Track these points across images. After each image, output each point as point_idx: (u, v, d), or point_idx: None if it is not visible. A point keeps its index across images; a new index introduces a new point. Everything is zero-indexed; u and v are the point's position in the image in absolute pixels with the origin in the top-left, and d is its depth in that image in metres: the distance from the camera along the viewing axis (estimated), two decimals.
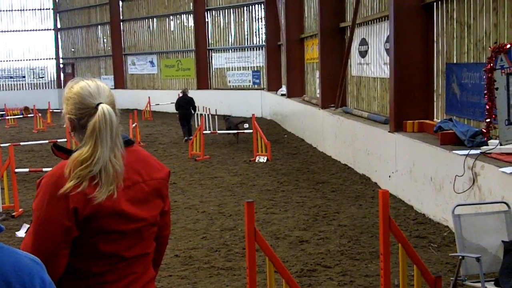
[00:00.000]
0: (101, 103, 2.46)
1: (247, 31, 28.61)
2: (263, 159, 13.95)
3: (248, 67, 28.57)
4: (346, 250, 7.18)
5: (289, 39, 21.33)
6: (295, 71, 21.20)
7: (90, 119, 2.43)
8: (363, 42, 14.30)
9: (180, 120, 19.32)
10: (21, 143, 15.30)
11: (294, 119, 19.48)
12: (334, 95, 15.39)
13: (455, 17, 9.61)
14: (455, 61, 9.59)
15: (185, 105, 19.16)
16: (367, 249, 7.22)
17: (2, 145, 10.97)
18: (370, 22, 13.81)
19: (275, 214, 9.06)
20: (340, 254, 7.06)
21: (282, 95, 22.38)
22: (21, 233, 8.38)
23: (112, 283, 2.44)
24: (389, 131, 10.40)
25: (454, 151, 7.76)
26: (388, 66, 11.35)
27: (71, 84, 2.55)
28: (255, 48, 28.21)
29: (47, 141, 16.10)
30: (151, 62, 34.52)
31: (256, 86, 28.12)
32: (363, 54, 14.31)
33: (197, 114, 19.99)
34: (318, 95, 17.31)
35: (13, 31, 41.25)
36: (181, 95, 20.04)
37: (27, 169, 11.48)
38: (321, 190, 10.64)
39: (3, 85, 41.54)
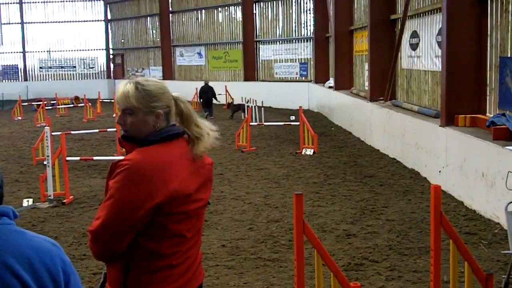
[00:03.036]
0: (173, 96, 2.78)
1: (295, 23, 28.46)
2: (309, 151, 13.88)
3: (296, 59, 28.44)
4: (394, 245, 7.08)
5: (338, 31, 21.13)
6: (343, 63, 21.00)
7: (172, 109, 2.72)
8: (414, 34, 14.05)
9: (203, 106, 23.73)
10: (72, 132, 15.58)
11: (341, 111, 19.32)
12: (383, 88, 15.18)
13: (510, 9, 9.34)
14: (509, 55, 9.33)
15: (207, 93, 23.85)
16: (415, 244, 7.10)
17: (53, 133, 11.17)
18: (421, 14, 13.55)
19: (322, 207, 9.00)
20: (388, 249, 6.96)
21: (330, 87, 22.22)
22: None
23: (175, 266, 2.63)
24: (440, 125, 10.21)
25: (507, 147, 7.56)
26: (440, 59, 11.13)
27: (147, 83, 2.70)
28: (303, 40, 28.06)
29: (97, 130, 16.33)
30: (199, 54, 34.72)
31: (303, 78, 27.99)
32: (414, 46, 14.07)
33: (244, 105, 20.70)
34: (366, 88, 17.12)
35: (65, 21, 42.04)
36: (203, 84, 24.59)
37: (78, 158, 11.69)
38: (368, 184, 10.53)
39: (54, 75, 42.44)
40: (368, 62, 16.58)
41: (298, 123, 14.98)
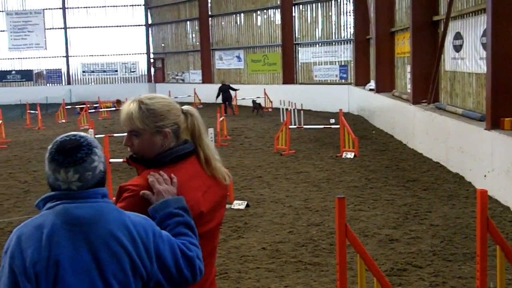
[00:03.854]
0: (183, 109, 2.62)
1: (335, 25, 28.28)
2: (350, 155, 13.73)
3: (335, 62, 28.26)
4: (439, 251, 6.93)
5: (378, 33, 20.91)
6: (384, 65, 20.76)
7: (182, 127, 2.58)
8: (458, 36, 13.80)
9: (223, 102, 26.46)
10: (114, 135, 15.75)
11: (382, 114, 19.10)
12: (426, 90, 14.94)
13: None
14: None
15: (226, 91, 27.01)
16: (460, 250, 6.94)
17: (97, 136, 11.32)
18: (465, 15, 13.30)
19: (363, 211, 8.88)
20: (432, 254, 6.82)
21: (371, 90, 22.00)
22: None
23: None
24: (485, 129, 9.97)
25: None
26: (485, 61, 10.89)
27: (151, 102, 2.55)
28: (342, 42, 27.86)
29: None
30: (238, 57, 34.81)
31: (343, 80, 27.79)
32: (457, 48, 13.81)
33: (283, 108, 20.82)
34: (409, 90, 16.88)
35: (107, 26, 42.65)
36: (220, 84, 28.06)
37: (120, 160, 11.79)
38: (411, 188, 10.35)
39: (97, 78, 43.10)
40: (410, 64, 16.35)
41: (338, 126, 14.85)
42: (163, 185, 2.41)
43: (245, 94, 30.12)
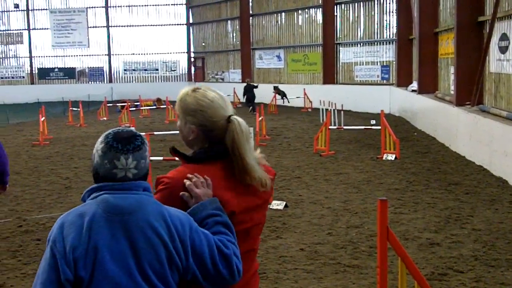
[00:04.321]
0: (231, 115, 2.58)
1: (377, 25, 28.00)
2: (391, 157, 13.55)
3: (377, 62, 27.97)
4: (480, 256, 6.77)
5: (422, 33, 20.61)
6: (427, 66, 20.46)
7: (221, 132, 2.56)
8: (504, 37, 13.48)
9: (246, 102, 27.91)
10: (155, 133, 15.89)
11: (425, 116, 18.82)
12: (470, 92, 14.66)
13: None
14: None
15: (251, 90, 27.98)
16: (503, 255, 6.76)
17: None
18: None
19: (404, 214, 8.74)
20: (473, 259, 6.66)
21: (413, 91, 21.70)
22: None
23: None
24: None
25: None
26: None
27: (193, 95, 2.61)
28: (385, 42, 27.56)
29: (178, 132, 16.61)
30: (278, 57, 34.77)
31: (384, 81, 27.50)
32: (503, 50, 13.50)
33: (322, 109, 21.04)
34: (452, 92, 16.60)
35: (148, 25, 43.10)
36: (245, 84, 29.02)
37: (161, 158, 11.87)
38: (453, 191, 10.15)
39: (138, 77, 43.59)
40: (454, 65, 16.07)
41: (379, 127, 14.67)
42: (200, 189, 2.46)
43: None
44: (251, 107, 27.33)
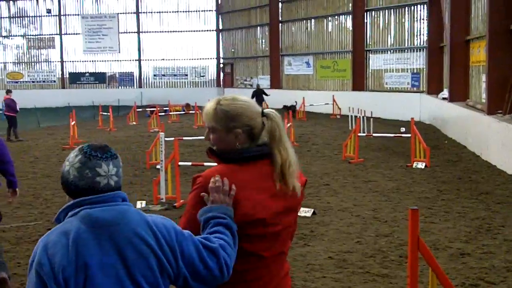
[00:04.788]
0: (263, 110, 2.70)
1: (408, 32, 27.80)
2: (421, 165, 13.40)
3: (407, 69, 27.75)
4: None
5: (453, 40, 20.40)
6: (458, 74, 20.22)
7: (261, 129, 2.67)
8: None
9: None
10: (184, 138, 15.95)
11: (455, 124, 18.59)
12: (502, 100, 14.43)
13: None
14: None
15: (260, 94, 28.90)
16: None
17: (166, 139, 11.47)
18: None
19: (434, 223, 8.62)
20: (505, 270, 6.54)
21: (444, 99, 21.48)
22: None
23: (250, 282, 2.62)
24: None
25: None
26: None
27: (226, 103, 2.69)
28: (415, 50, 27.34)
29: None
30: (307, 63, 34.72)
31: (415, 88, 27.26)
32: None
33: (351, 116, 21.06)
34: (483, 100, 16.37)
35: (178, 31, 43.38)
36: (255, 88, 30.50)
37: (189, 163, 11.89)
38: (484, 201, 9.99)
39: (167, 82, 43.89)
40: (485, 73, 15.86)
41: (409, 135, 14.53)
42: (219, 195, 2.51)
43: (313, 100, 30.03)
44: None
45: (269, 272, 2.67)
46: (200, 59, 43.65)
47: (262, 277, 2.65)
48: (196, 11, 43.29)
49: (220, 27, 43.02)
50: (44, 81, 44.84)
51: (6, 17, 45.06)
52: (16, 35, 45.23)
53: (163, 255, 2.22)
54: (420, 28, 27.16)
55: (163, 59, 43.85)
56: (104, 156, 2.23)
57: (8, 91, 21.96)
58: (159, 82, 44.01)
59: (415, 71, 27.36)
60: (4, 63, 45.26)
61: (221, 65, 43.35)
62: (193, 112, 27.26)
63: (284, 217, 2.68)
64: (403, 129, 17.87)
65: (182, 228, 2.50)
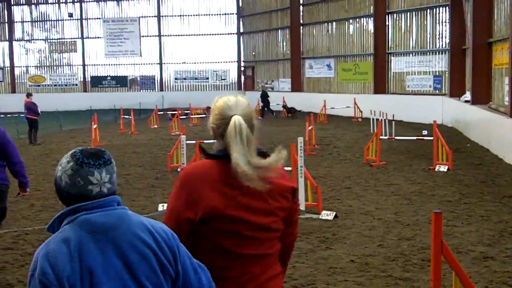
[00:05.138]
0: (235, 114, 2.76)
1: (430, 34, 27.61)
2: (443, 168, 13.30)
3: (429, 72, 27.56)
4: None
5: (476, 43, 20.23)
6: (481, 76, 20.05)
7: (226, 128, 2.74)
8: None
9: (262, 108, 30.43)
10: (205, 141, 15.97)
11: (478, 127, 18.42)
12: None
13: None
14: None
15: (266, 97, 31.50)
16: None
17: (187, 142, 11.54)
18: None
19: (457, 227, 8.55)
20: None
21: (466, 101, 21.29)
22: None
23: (230, 279, 2.69)
24: None
25: None
26: None
27: (216, 99, 2.93)
28: (437, 52, 27.14)
29: None
30: (328, 66, 34.64)
31: (437, 91, 27.06)
32: None
33: (373, 118, 20.98)
34: (506, 103, 16.20)
35: (199, 34, 43.56)
36: (261, 91, 32.60)
37: None
38: (508, 204, 9.88)
39: (188, 85, 44.07)
40: (508, 76, 15.71)
41: (431, 138, 14.43)
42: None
43: (335, 103, 29.94)
44: (268, 111, 29.65)
45: (249, 271, 2.72)
46: (221, 62, 43.78)
47: (242, 275, 2.70)
48: (217, 14, 43.44)
49: (241, 30, 43.11)
50: (66, 85, 45.27)
51: (28, 21, 45.58)
52: (38, 39, 45.73)
53: (163, 256, 2.22)
54: (442, 30, 26.96)
55: (184, 63, 44.04)
56: (97, 163, 2.19)
57: (29, 95, 22.19)
58: (180, 86, 44.21)
59: (437, 74, 27.16)
60: (26, 66, 45.78)
61: (242, 68, 43.42)
62: None
63: (258, 218, 2.71)
64: (425, 132, 17.75)
65: (166, 217, 2.70)
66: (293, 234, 3.01)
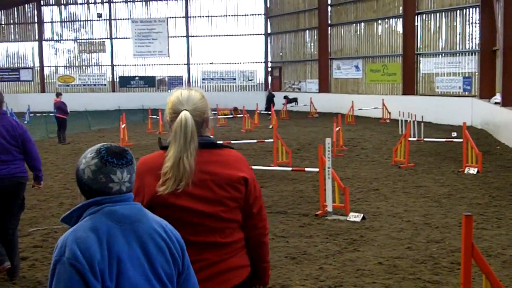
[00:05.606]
0: (185, 110, 2.88)
1: (460, 35, 27.30)
2: (473, 170, 13.13)
3: (459, 73, 27.24)
4: None
5: (506, 44, 19.95)
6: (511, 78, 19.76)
7: (168, 122, 2.93)
8: None
9: (266, 109, 31.87)
10: (232, 142, 16.02)
11: (508, 129, 18.14)
12: None
13: None
14: None
15: (272, 99, 34.65)
16: None
17: None
18: None
19: (486, 230, 8.42)
20: None
21: (496, 103, 21.00)
22: None
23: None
24: None
25: None
26: None
27: (172, 92, 3.02)
28: (467, 53, 26.82)
29: (255, 141, 16.67)
30: (356, 67, 34.47)
31: (466, 93, 26.74)
32: None
33: (401, 120, 20.71)
34: None
35: (227, 35, 43.66)
36: (267, 93, 35.53)
37: None
38: None
39: (215, 86, 44.20)
40: None
41: (460, 140, 14.26)
42: None
43: (363, 105, 29.79)
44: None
45: (205, 258, 2.84)
46: (248, 63, 43.83)
47: (197, 261, 2.78)
48: (245, 15, 43.50)
49: (269, 31, 43.10)
50: (95, 85, 45.73)
51: (58, 22, 46.15)
52: (67, 39, 46.28)
53: (174, 250, 2.35)
54: (472, 31, 26.65)
55: (212, 63, 44.19)
56: (120, 163, 2.28)
57: (58, 94, 22.44)
58: (207, 86, 44.36)
59: (466, 75, 26.84)
60: (56, 66, 46.37)
61: (269, 69, 43.41)
62: (241, 116, 27.37)
63: (203, 206, 2.82)
64: (454, 134, 17.56)
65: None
66: (258, 227, 3.04)
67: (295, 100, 36.72)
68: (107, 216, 2.22)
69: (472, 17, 26.56)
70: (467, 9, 26.76)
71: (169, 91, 44.11)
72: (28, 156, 6.65)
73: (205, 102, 3.01)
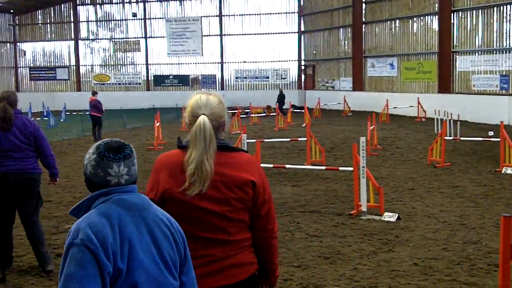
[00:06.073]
0: (203, 114, 2.98)
1: (497, 33, 26.81)
2: (510, 170, 12.87)
3: (496, 71, 26.75)
4: None
5: None
6: None
7: (187, 124, 3.05)
8: None
9: (279, 108, 29.44)
10: (265, 140, 15.99)
11: None
12: None
13: None
14: None
15: (283, 99, 31.85)
16: None
17: (248, 140, 11.54)
18: None
19: None
20: None
21: None
22: None
23: (197, 258, 2.89)
24: None
25: None
26: None
27: (191, 96, 3.13)
28: (504, 51, 26.32)
29: (288, 139, 16.60)
30: (391, 65, 34.13)
31: (504, 91, 26.25)
32: None
33: (437, 119, 20.58)
34: None
35: (260, 34, 43.65)
36: (278, 92, 33.21)
37: (271, 165, 11.90)
38: None
39: (249, 84, 44.24)
40: None
41: (498, 139, 14.00)
42: None
43: (397, 103, 29.49)
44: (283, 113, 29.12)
45: (211, 254, 2.97)
46: (282, 61, 43.76)
47: (204, 256, 2.94)
48: (278, 13, 43.43)
49: (302, 29, 42.96)
50: (129, 83, 46.18)
51: (93, 21, 46.72)
52: (103, 38, 46.82)
53: (178, 238, 2.50)
54: (509, 28, 26.14)
55: (245, 62, 44.23)
56: (116, 157, 2.41)
57: (94, 93, 22.68)
58: (240, 84, 44.43)
59: (504, 73, 26.34)
60: (91, 65, 46.96)
61: (303, 67, 43.28)
62: (274, 114, 27.32)
63: (209, 205, 2.94)
64: (491, 133, 17.27)
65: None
66: (266, 229, 3.13)
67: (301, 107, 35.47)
68: (117, 204, 2.37)
69: (509, 15, 26.06)
70: (504, 6, 26.27)
71: (203, 89, 44.34)
72: (41, 154, 6.77)
73: (222, 106, 3.11)
